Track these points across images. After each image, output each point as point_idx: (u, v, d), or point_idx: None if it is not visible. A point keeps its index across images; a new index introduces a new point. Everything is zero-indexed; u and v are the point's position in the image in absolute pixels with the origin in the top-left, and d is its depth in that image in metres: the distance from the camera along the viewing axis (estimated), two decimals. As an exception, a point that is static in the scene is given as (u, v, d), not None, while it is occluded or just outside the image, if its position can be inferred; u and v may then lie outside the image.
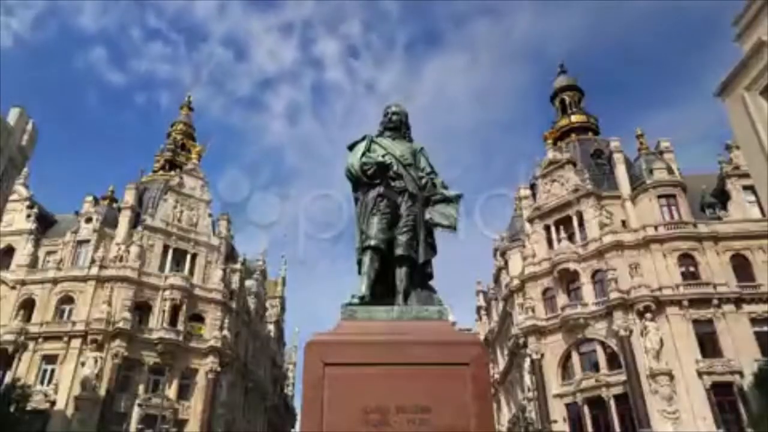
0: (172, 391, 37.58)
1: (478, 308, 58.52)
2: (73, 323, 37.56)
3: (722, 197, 38.84)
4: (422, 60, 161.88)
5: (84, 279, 39.17)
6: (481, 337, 45.97)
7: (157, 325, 38.62)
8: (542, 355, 37.52)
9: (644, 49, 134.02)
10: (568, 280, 38.57)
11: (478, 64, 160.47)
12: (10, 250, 40.55)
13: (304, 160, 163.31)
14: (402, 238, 5.71)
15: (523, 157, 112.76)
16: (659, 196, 38.30)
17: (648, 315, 33.85)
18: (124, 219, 42.45)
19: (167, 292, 39.71)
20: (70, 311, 38.59)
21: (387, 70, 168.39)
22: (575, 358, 36.63)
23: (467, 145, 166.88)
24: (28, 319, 37.88)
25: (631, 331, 34.07)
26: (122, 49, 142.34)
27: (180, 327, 39.08)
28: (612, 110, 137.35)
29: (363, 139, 6.22)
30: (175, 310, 39.60)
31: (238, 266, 47.23)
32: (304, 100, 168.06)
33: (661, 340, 33.14)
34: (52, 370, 36.41)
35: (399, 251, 5.67)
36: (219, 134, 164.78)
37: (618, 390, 33.83)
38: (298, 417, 27.12)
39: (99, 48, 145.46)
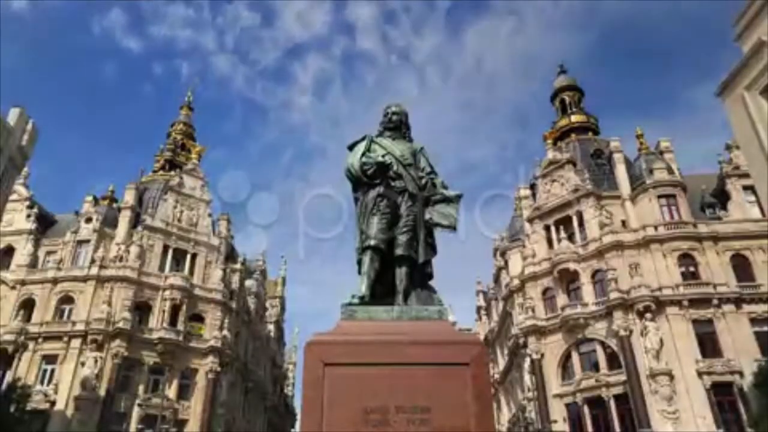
0: (172, 391, 37.59)
1: (478, 308, 58.55)
2: (73, 323, 37.56)
3: (722, 197, 38.84)
4: (464, 25, 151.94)
5: (84, 279, 39.18)
6: (481, 337, 45.95)
7: (157, 325, 38.64)
8: (542, 355, 37.51)
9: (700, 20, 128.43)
10: (568, 280, 38.57)
11: (523, 30, 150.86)
12: (10, 250, 40.55)
13: (328, 138, 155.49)
14: (402, 238, 5.71)
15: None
16: (659, 196, 38.29)
17: (648, 315, 33.84)
18: (124, 219, 42.46)
19: (167, 292, 39.73)
20: (70, 311, 38.59)
21: (425, 37, 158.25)
22: (575, 358, 36.63)
23: (504, 119, 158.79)
24: (28, 319, 37.85)
25: (631, 331, 34.07)
26: (141, 12, 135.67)
27: (180, 327, 39.09)
28: (658, 85, 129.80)
29: (363, 139, 6.23)
30: (175, 310, 39.62)
31: (238, 266, 47.24)
32: (333, 71, 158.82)
33: (661, 340, 33.13)
34: (52, 370, 36.41)
35: (399, 251, 5.67)
36: (240, 109, 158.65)
37: (618, 390, 33.83)
38: (298, 417, 27.09)
39: (116, 11, 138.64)
